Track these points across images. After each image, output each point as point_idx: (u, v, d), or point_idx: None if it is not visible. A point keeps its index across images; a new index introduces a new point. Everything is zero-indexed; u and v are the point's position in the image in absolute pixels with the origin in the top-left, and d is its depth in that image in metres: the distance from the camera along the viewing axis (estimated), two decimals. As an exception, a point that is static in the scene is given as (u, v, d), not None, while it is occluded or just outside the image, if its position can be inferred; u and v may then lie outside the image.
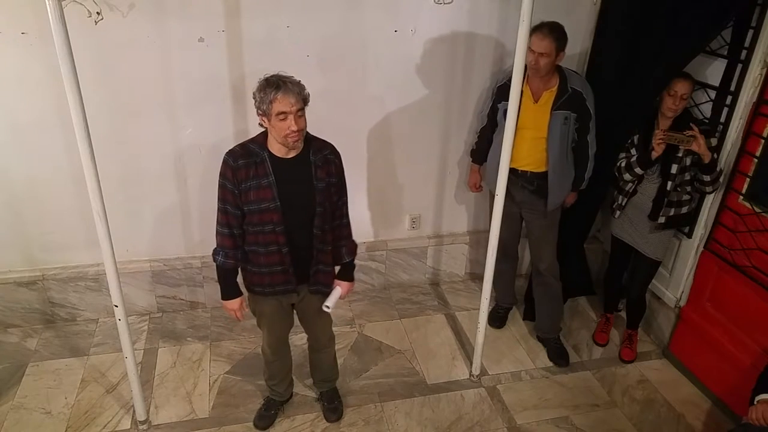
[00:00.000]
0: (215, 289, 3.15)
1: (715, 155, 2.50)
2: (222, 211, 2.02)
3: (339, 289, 2.27)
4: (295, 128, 1.84)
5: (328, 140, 2.10)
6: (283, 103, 1.81)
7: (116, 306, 2.17)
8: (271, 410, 2.53)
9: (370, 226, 3.33)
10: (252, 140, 2.00)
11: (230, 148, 2.00)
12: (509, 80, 2.63)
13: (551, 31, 2.41)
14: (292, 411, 2.60)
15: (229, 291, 2.16)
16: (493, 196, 2.34)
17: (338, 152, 2.09)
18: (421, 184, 3.27)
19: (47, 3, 1.64)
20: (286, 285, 2.12)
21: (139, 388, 2.40)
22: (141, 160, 2.80)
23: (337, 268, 2.28)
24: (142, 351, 2.90)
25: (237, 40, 2.62)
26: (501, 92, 2.69)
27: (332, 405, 2.58)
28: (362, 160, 3.10)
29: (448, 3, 2.78)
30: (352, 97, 2.91)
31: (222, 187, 1.99)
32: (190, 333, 3.06)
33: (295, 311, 2.33)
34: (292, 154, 1.97)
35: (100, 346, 2.93)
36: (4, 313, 2.99)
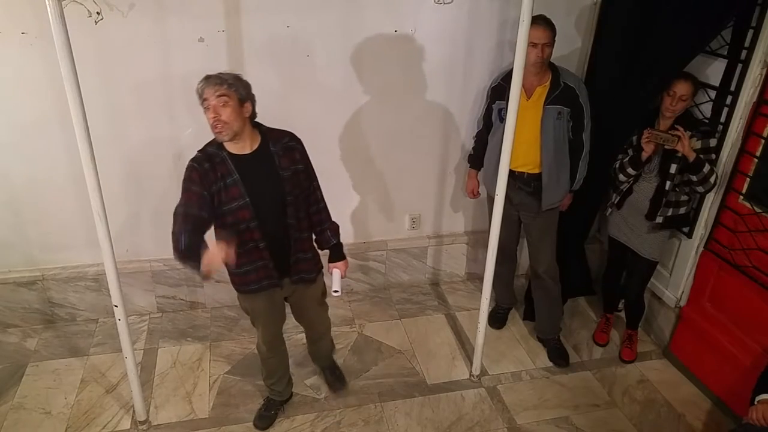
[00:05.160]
0: (215, 289, 3.19)
1: (713, 156, 2.51)
2: (182, 215, 1.95)
3: (337, 271, 2.28)
4: (213, 115, 1.84)
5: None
6: (205, 92, 1.84)
7: (116, 306, 2.17)
8: (270, 410, 2.54)
9: (371, 226, 3.33)
10: (209, 143, 2.00)
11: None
12: (503, 80, 2.66)
13: (546, 21, 2.43)
14: (292, 411, 2.60)
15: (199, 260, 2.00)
16: (491, 199, 2.34)
17: (299, 138, 2.08)
18: (421, 184, 3.27)
19: (47, 3, 1.64)
20: (269, 279, 2.12)
21: (139, 388, 2.40)
22: (141, 160, 2.80)
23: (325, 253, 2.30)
24: (142, 351, 2.90)
25: (237, 40, 2.62)
26: (495, 93, 2.70)
27: (335, 375, 2.69)
28: (362, 160, 3.10)
29: (448, 3, 2.78)
30: (352, 97, 2.90)
31: (186, 190, 1.95)
32: (190, 333, 3.06)
33: (289, 306, 2.34)
34: (249, 149, 1.97)
35: (100, 346, 2.93)
36: (4, 313, 2.99)
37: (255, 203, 1.96)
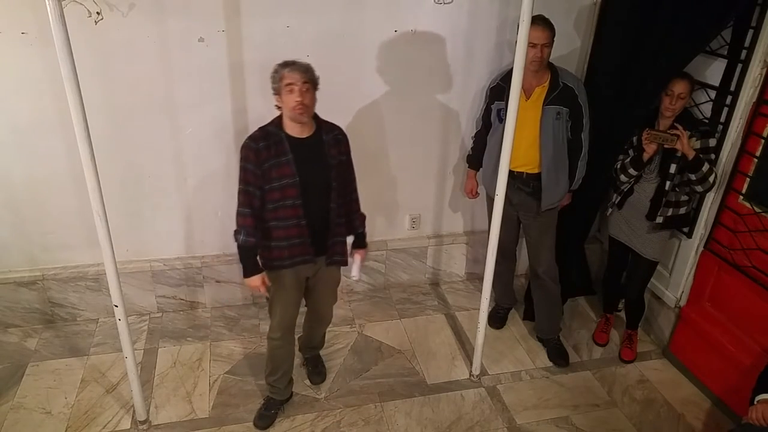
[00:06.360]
0: (215, 289, 3.19)
1: (712, 155, 2.51)
2: (243, 193, 2.14)
3: (358, 257, 2.47)
4: (299, 99, 2.00)
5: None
6: (289, 77, 2.01)
7: (116, 306, 2.17)
8: (271, 410, 2.54)
9: (371, 226, 3.29)
10: (269, 123, 2.15)
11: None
12: (502, 80, 2.66)
13: (545, 22, 2.44)
14: (292, 411, 2.60)
15: (251, 268, 2.24)
16: (490, 199, 2.34)
17: (346, 134, 2.27)
18: (421, 184, 3.27)
19: (47, 3, 1.64)
20: (304, 256, 2.24)
21: (139, 388, 2.40)
22: (141, 160, 2.80)
23: (350, 240, 2.43)
24: (142, 351, 2.90)
25: (237, 40, 2.62)
26: (494, 93, 2.70)
27: (317, 369, 2.78)
28: (362, 160, 3.05)
29: (448, 3, 2.78)
30: (352, 97, 2.91)
31: (243, 170, 2.12)
32: (190, 333, 3.06)
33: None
34: (305, 134, 2.13)
35: (100, 346, 2.93)
36: (4, 313, 2.99)
37: (303, 183, 2.12)
